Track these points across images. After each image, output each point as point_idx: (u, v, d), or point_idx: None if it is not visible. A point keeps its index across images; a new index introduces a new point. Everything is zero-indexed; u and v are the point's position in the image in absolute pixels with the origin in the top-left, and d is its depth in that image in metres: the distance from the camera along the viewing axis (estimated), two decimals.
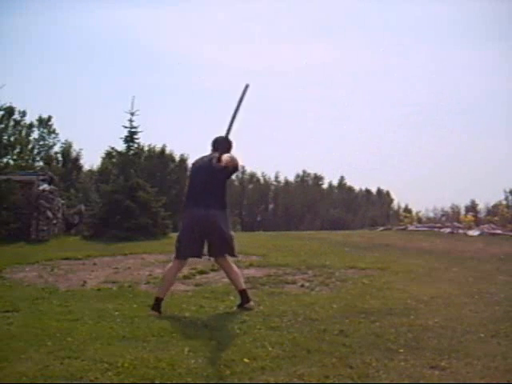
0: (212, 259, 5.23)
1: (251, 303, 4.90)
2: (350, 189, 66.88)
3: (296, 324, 4.32)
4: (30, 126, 36.11)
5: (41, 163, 33.57)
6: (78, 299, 5.31)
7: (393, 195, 67.13)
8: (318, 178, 65.33)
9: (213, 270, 7.19)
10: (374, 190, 68.16)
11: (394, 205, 66.25)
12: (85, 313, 4.66)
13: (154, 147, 38.67)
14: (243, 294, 4.92)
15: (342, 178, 66.55)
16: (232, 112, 4.48)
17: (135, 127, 13.03)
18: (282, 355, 3.52)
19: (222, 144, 4.70)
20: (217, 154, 4.59)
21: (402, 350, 3.62)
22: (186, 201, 5.04)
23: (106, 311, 4.74)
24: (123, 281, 6.40)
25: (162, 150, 39.54)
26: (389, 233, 13.70)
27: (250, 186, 61.77)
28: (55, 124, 37.48)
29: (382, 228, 16.06)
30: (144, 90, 63.36)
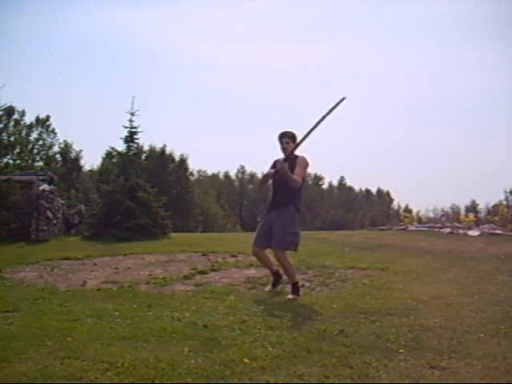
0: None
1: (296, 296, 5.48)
2: (350, 189, 66.93)
3: (296, 324, 4.32)
4: (30, 126, 36.16)
5: (41, 163, 33.60)
6: (78, 299, 5.30)
7: (393, 195, 67.26)
8: (318, 178, 65.35)
9: (213, 270, 7.20)
10: (374, 190, 68.28)
11: (394, 205, 66.40)
12: (85, 313, 4.66)
13: (154, 147, 38.76)
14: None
15: (341, 178, 66.68)
16: (317, 120, 5.33)
17: (135, 127, 12.99)
18: (282, 355, 3.52)
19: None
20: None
21: (402, 350, 3.62)
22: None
23: (106, 311, 4.74)
24: (123, 281, 6.40)
25: (162, 150, 39.56)
26: (389, 233, 13.67)
27: (250, 186, 61.75)
28: (54, 124, 37.59)
29: (382, 228, 16.04)
30: (144, 90, 63.36)
